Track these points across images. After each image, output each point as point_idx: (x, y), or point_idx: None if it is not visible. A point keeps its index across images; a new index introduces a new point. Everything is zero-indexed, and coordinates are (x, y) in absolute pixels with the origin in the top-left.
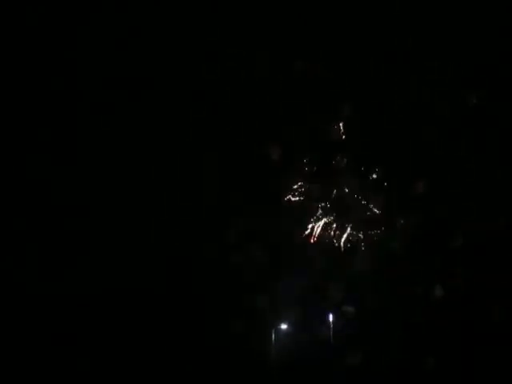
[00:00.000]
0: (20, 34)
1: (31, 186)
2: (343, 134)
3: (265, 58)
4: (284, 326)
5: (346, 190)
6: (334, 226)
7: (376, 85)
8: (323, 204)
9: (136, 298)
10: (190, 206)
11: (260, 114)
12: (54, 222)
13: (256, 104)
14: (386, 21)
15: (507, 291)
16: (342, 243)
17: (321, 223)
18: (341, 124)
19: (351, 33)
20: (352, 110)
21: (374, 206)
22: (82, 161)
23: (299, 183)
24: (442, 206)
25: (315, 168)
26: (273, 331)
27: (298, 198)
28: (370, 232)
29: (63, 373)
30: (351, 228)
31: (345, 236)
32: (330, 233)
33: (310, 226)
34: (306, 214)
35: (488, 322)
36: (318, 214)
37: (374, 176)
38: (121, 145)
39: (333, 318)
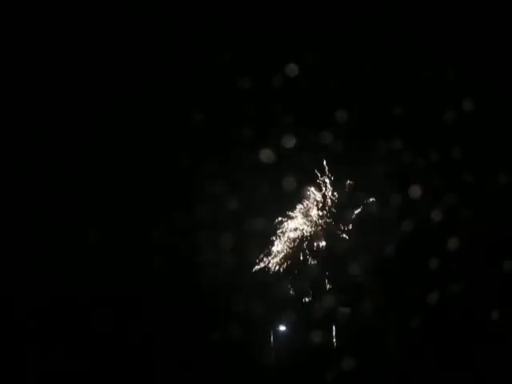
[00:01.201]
0: (19, 34)
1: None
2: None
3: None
4: (282, 328)
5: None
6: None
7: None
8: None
9: (134, 300)
10: (187, 211)
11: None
12: (50, 222)
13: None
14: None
15: (505, 292)
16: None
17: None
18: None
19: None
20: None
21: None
22: (79, 161)
23: None
24: (439, 209)
25: None
26: (271, 333)
27: None
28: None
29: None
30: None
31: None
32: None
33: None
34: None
35: (486, 322)
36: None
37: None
38: (119, 145)
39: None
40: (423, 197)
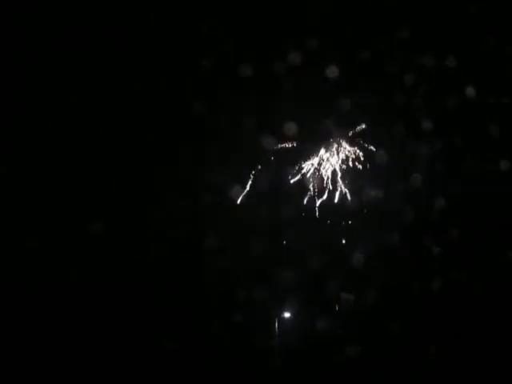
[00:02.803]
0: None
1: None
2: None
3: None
4: (287, 315)
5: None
6: None
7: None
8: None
9: (134, 286)
10: (186, 191)
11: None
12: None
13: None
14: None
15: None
16: None
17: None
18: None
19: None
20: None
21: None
22: (77, 154)
23: None
24: (441, 197)
25: None
26: (276, 320)
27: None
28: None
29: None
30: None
31: None
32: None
33: None
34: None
35: (488, 315)
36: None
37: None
38: (118, 143)
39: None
40: (425, 185)
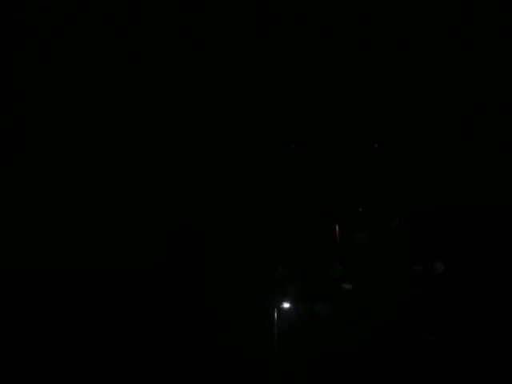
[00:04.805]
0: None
1: None
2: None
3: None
4: (287, 305)
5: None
6: None
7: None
8: None
9: (133, 277)
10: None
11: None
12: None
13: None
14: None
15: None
16: None
17: None
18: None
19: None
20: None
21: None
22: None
23: None
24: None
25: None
26: (275, 311)
27: None
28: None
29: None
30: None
31: None
32: None
33: None
34: None
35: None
36: None
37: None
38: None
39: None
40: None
